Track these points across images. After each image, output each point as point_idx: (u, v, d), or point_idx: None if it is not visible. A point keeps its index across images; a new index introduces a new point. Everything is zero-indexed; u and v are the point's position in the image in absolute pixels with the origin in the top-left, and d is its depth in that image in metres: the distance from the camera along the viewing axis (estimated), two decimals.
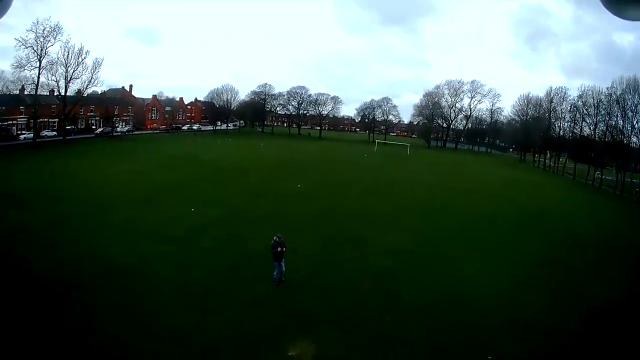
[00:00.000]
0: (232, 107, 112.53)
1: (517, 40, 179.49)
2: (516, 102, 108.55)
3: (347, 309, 14.28)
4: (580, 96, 71.48)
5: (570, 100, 77.65)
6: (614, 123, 62.43)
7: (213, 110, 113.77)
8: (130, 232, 21.25)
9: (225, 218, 25.29)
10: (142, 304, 13.84)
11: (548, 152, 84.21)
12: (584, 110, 70.07)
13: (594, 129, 67.93)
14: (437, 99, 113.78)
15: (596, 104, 66.96)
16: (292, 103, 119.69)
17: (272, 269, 15.76)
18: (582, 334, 13.76)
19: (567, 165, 74.36)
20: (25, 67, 60.77)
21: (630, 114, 59.07)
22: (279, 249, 15.61)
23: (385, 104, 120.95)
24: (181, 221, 23.86)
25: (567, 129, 78.46)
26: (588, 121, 69.90)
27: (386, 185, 42.44)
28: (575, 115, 73.93)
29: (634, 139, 59.89)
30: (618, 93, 60.93)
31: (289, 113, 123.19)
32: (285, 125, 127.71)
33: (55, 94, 68.91)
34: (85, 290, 14.45)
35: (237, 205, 28.45)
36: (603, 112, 65.38)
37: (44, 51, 61.08)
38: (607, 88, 64.31)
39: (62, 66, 64.07)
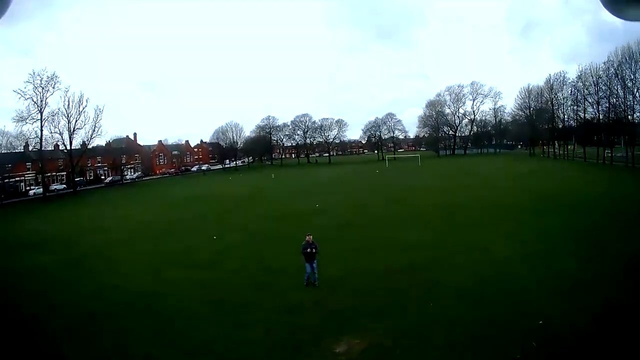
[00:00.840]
0: (238, 144, 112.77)
1: (511, 35, 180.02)
2: (518, 95, 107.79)
3: (387, 302, 13.60)
4: (579, 77, 71.07)
5: (570, 83, 76.83)
6: (615, 99, 61.85)
7: (220, 149, 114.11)
8: (151, 262, 20.53)
9: (248, 241, 24.33)
10: (173, 324, 12.95)
11: (556, 142, 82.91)
12: (585, 90, 69.48)
13: (597, 108, 67.23)
14: (439, 107, 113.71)
15: (595, 82, 66.37)
16: (298, 132, 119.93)
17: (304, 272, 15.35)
18: (625, 288, 13.17)
19: (577, 151, 73.48)
20: (27, 120, 61.07)
21: (629, 84, 58.26)
22: (308, 250, 15.18)
23: (390, 119, 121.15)
24: (203, 249, 22.95)
25: (571, 113, 77.42)
26: (590, 100, 69.17)
27: (403, 192, 42.30)
28: (577, 97, 73.03)
29: (638, 113, 58.85)
30: (615, 65, 60.39)
31: (295, 143, 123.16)
32: (293, 156, 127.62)
33: (60, 147, 69.16)
34: (111, 317, 13.65)
35: (258, 229, 27.44)
36: (604, 87, 64.69)
37: (44, 102, 61.61)
38: (604, 63, 63.85)
39: (63, 117, 64.77)
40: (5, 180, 65.32)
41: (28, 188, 68.61)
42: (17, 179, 68.70)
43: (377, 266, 17.45)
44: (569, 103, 77.12)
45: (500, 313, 11.99)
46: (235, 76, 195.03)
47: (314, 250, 15.19)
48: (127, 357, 10.52)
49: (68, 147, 66.56)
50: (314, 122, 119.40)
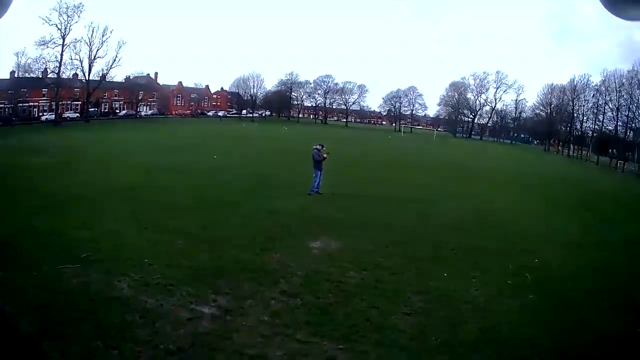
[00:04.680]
0: (258, 96, 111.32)
1: (544, 36, 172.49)
2: (540, 91, 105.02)
3: (375, 219, 13.43)
4: (603, 82, 68.74)
5: (593, 87, 74.32)
6: (635, 108, 60.81)
7: (239, 99, 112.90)
8: (146, 168, 20.43)
9: (250, 161, 24.95)
10: (150, 210, 12.82)
11: (571, 145, 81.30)
12: (607, 96, 67.71)
13: (617, 115, 65.41)
14: (462, 89, 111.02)
15: (618, 88, 64.50)
16: (319, 91, 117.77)
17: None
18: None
19: (590, 158, 71.59)
20: (49, 44, 60.26)
21: None
22: (316, 156, 16.38)
23: (412, 92, 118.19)
24: (203, 162, 23.36)
25: (591, 115, 75.17)
26: (610, 106, 67.21)
27: (408, 156, 41.72)
28: (598, 100, 71.10)
29: None
30: None
31: (315, 104, 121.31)
32: (311, 117, 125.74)
33: (78, 77, 68.41)
34: (90, 200, 13.61)
35: (260, 153, 28.19)
36: (625, 95, 63.13)
37: (67, 29, 60.63)
38: (629, 71, 61.76)
39: (86, 44, 63.71)
40: (19, 105, 65.27)
41: (41, 114, 68.35)
42: (31, 104, 68.43)
43: (378, 195, 17.42)
44: (590, 106, 75.09)
45: (495, 246, 11.49)
46: (264, 29, 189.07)
47: (322, 157, 16.25)
48: (92, 231, 10.11)
49: (86, 76, 65.94)
50: (336, 83, 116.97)
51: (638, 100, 60.24)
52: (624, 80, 63.08)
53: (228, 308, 6.78)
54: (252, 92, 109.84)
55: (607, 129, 69.89)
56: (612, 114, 67.22)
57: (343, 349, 5.85)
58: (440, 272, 9.03)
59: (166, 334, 5.90)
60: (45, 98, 69.34)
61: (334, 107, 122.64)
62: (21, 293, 6.66)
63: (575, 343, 6.49)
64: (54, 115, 63.60)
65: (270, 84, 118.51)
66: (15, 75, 64.08)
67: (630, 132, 63.02)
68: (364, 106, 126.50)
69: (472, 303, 7.68)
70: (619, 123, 65.61)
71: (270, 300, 7.17)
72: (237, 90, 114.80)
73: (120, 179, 17.07)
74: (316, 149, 16.65)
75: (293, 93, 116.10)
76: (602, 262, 10.79)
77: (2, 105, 63.42)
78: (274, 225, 11.90)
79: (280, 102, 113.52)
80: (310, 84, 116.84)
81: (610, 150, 68.42)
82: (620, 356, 6.26)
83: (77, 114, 71.66)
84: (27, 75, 64.14)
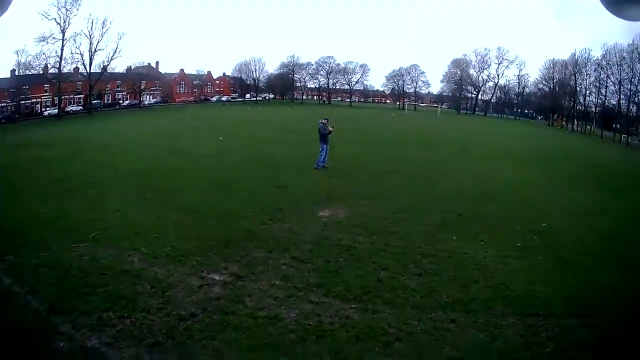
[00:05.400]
0: (260, 79, 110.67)
1: (545, 12, 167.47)
2: (542, 66, 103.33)
3: (381, 191, 13.34)
4: (603, 56, 67.18)
5: (594, 61, 72.47)
6: (637, 81, 59.40)
7: (241, 83, 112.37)
8: (153, 154, 20.11)
9: (255, 142, 24.86)
10: (158, 189, 12.75)
11: (575, 120, 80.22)
12: (608, 70, 66.18)
13: (619, 88, 64.06)
14: (464, 65, 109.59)
15: (619, 62, 63.20)
16: (321, 72, 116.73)
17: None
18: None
19: (595, 132, 70.58)
20: (48, 40, 60.11)
21: None
22: (322, 130, 16.37)
23: (414, 70, 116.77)
24: (209, 147, 22.77)
25: (593, 89, 73.52)
26: (612, 79, 65.76)
27: (412, 133, 42.21)
28: (600, 74, 69.33)
29: None
30: None
31: (318, 85, 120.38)
32: (315, 98, 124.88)
33: (79, 70, 68.07)
34: (97, 185, 13.56)
35: (265, 134, 28.80)
36: (626, 69, 61.79)
37: (66, 22, 60.32)
38: (629, 45, 60.29)
39: (86, 37, 63.42)
40: (21, 102, 65.22)
41: (44, 109, 68.24)
42: (33, 100, 68.28)
43: (381, 167, 17.51)
44: (592, 80, 73.46)
45: (502, 213, 11.34)
46: (263, 12, 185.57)
47: (327, 130, 16.26)
48: (100, 213, 10.07)
49: (88, 69, 65.70)
50: (338, 64, 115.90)
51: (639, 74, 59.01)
52: (624, 54, 61.91)
53: (239, 274, 6.77)
54: (254, 76, 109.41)
55: (611, 102, 68.94)
56: (615, 87, 65.99)
57: (356, 309, 5.83)
58: (448, 236, 8.96)
59: (178, 302, 5.90)
60: (47, 93, 69.17)
61: (337, 87, 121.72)
62: (31, 272, 6.69)
63: (584, 300, 6.41)
64: (57, 110, 63.49)
65: (272, 67, 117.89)
66: (16, 73, 63.90)
67: (633, 106, 62.18)
68: (367, 85, 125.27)
69: (481, 264, 7.61)
70: (622, 97, 64.52)
71: (281, 265, 7.15)
72: (239, 75, 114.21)
73: (125, 164, 17.03)
74: (322, 123, 16.56)
75: (295, 75, 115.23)
76: (608, 227, 10.62)
77: (5, 104, 63.48)
78: (282, 198, 11.84)
79: (283, 84, 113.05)
80: (312, 65, 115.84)
81: (614, 125, 67.63)
82: (627, 313, 6.16)
83: (80, 107, 71.52)
84: (27, 72, 63.99)
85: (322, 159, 16.29)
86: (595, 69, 71.64)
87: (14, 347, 4.86)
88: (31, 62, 62.91)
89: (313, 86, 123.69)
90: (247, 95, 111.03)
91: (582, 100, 77.83)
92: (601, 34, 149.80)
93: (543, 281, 6.95)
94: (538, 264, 7.78)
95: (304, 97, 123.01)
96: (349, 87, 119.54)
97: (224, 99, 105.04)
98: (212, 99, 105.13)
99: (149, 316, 5.51)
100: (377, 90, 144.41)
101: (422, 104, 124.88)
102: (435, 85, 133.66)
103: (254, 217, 9.88)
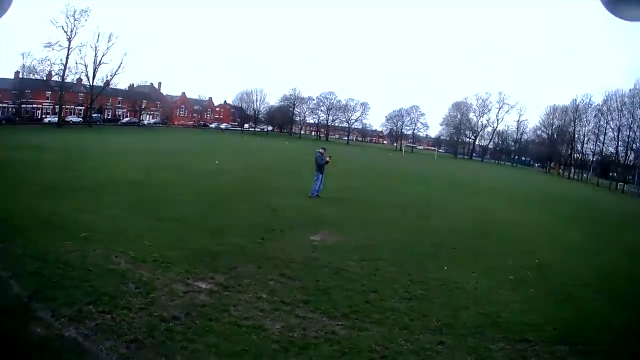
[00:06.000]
0: (260, 112, 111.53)
1: (549, 57, 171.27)
2: (542, 112, 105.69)
3: (380, 220, 13.44)
4: (605, 101, 69.19)
5: (595, 106, 74.56)
6: (636, 128, 60.97)
7: (241, 113, 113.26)
8: (149, 168, 20.16)
9: (251, 167, 24.97)
10: (157, 203, 12.78)
11: (572, 168, 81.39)
12: (608, 116, 68.02)
13: (617, 135, 65.67)
14: (465, 109, 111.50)
15: (619, 107, 64.93)
16: (322, 108, 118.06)
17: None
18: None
19: (591, 180, 71.71)
20: (54, 46, 60.68)
21: None
22: (319, 159, 16.56)
23: (414, 112, 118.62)
24: (203, 166, 22.94)
25: (592, 136, 75.17)
26: (612, 125, 67.38)
27: (408, 170, 41.63)
28: (600, 120, 71.18)
29: None
30: None
31: (317, 120, 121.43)
32: (313, 134, 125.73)
33: (82, 82, 68.75)
34: (93, 190, 13.56)
35: (262, 161, 28.55)
36: (627, 114, 63.40)
37: (73, 32, 61.34)
38: (630, 90, 61.82)
39: (91, 48, 64.64)
40: (22, 106, 65.49)
41: (44, 116, 68.40)
42: (34, 105, 68.56)
43: (375, 199, 17.70)
44: (591, 126, 75.21)
45: (495, 247, 11.42)
46: (268, 42, 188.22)
47: (324, 160, 16.50)
48: (92, 215, 10.07)
49: (90, 81, 66.40)
50: (339, 100, 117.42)
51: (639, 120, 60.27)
52: (625, 99, 63.43)
53: (226, 285, 6.67)
54: (255, 106, 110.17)
55: (609, 149, 70.15)
56: (613, 133, 67.35)
57: (343, 326, 5.73)
58: (440, 266, 8.92)
59: (161, 304, 5.79)
60: (49, 101, 69.50)
61: (336, 124, 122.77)
62: (17, 260, 6.59)
63: (575, 328, 6.38)
64: (57, 118, 63.65)
65: (273, 99, 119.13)
66: (20, 75, 64.39)
67: (630, 153, 63.25)
68: (366, 124, 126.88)
69: (472, 293, 7.57)
70: (620, 144, 65.78)
71: (269, 280, 7.06)
72: (240, 104, 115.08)
73: (120, 174, 17.04)
74: (319, 152, 16.79)
75: (296, 109, 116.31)
76: (601, 265, 10.74)
77: (6, 105, 63.68)
78: (274, 219, 11.82)
79: (283, 117, 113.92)
80: (313, 100, 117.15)
81: (610, 174, 68.55)
82: (621, 344, 6.13)
83: (80, 119, 71.74)
84: (31, 76, 64.44)
85: (317, 188, 16.34)
86: (595, 115, 73.17)
87: None
88: (35, 67, 63.25)
89: (312, 121, 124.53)
90: (246, 125, 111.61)
91: (579, 148, 78.91)
92: (603, 80, 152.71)
93: (535, 311, 6.90)
94: (530, 295, 7.75)
95: (302, 132, 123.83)
96: (347, 125, 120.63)
97: (222, 126, 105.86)
98: (210, 125, 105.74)
99: (130, 314, 5.38)
100: (375, 130, 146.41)
101: (420, 147, 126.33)
102: (433, 128, 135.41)
103: (246, 234, 9.81)
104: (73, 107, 72.96)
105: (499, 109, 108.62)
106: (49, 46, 60.34)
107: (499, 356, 5.36)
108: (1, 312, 5.01)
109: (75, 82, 68.65)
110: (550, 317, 6.65)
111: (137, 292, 6.05)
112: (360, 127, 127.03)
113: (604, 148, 70.97)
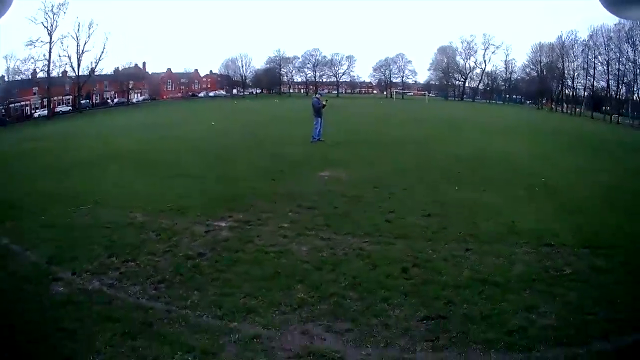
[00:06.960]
0: (247, 77, 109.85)
1: None
2: (529, 50, 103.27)
3: (384, 156, 13.36)
4: (590, 36, 67.07)
5: (581, 42, 72.23)
6: (625, 61, 59.50)
7: (228, 80, 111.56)
8: (147, 139, 19.74)
9: (247, 126, 24.69)
10: (156, 166, 12.38)
11: (564, 103, 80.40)
12: (596, 50, 66.26)
13: (607, 69, 64.07)
14: (451, 53, 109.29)
15: (606, 42, 63.30)
16: (308, 66, 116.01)
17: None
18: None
19: (584, 113, 70.82)
20: (36, 44, 59.66)
21: None
22: (316, 103, 16.45)
23: (400, 59, 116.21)
24: (201, 131, 22.65)
25: (581, 72, 73.19)
26: (600, 59, 65.76)
27: (401, 114, 42.40)
28: (587, 55, 69.41)
29: None
30: (627, 28, 56.85)
31: (305, 78, 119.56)
32: (302, 91, 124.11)
33: (67, 74, 67.49)
34: (91, 164, 13.33)
35: (256, 119, 28.74)
36: (614, 48, 61.81)
37: (53, 25, 59.79)
38: (615, 25, 60.11)
39: (73, 39, 63.60)
40: (11, 105, 64.61)
41: (33, 111, 67.52)
42: (23, 103, 67.58)
43: (376, 139, 17.56)
44: (580, 62, 73.08)
45: (500, 172, 11.20)
46: (248, 6, 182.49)
47: (321, 105, 16.36)
48: (100, 185, 9.81)
49: (76, 70, 65.31)
50: (324, 56, 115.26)
51: (627, 54, 58.90)
52: (611, 34, 61.60)
53: (246, 220, 6.63)
54: (241, 72, 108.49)
55: (600, 84, 68.62)
56: (603, 68, 65.80)
57: (369, 242, 5.72)
58: (450, 187, 8.96)
59: (184, 245, 5.77)
60: (36, 95, 68.33)
61: (324, 80, 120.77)
62: (29, 233, 6.44)
63: (593, 235, 6.25)
64: (46, 111, 62.88)
65: (258, 62, 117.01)
66: (5, 79, 63.43)
67: (622, 87, 61.84)
68: (353, 77, 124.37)
69: (487, 207, 7.55)
70: (610, 77, 64.41)
71: (288, 212, 7.04)
72: (226, 72, 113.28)
73: (119, 148, 16.66)
74: (316, 97, 16.72)
75: (282, 69, 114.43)
76: (607, 182, 10.49)
77: None
78: (282, 163, 11.74)
79: (270, 79, 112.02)
80: (299, 58, 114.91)
81: (603, 107, 67.87)
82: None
83: (70, 107, 70.80)
84: (17, 77, 63.44)
85: (317, 132, 16.18)
86: (582, 50, 71.40)
87: (12, 293, 4.68)
88: (19, 67, 62.18)
89: (300, 80, 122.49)
90: (234, 91, 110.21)
91: (570, 83, 77.61)
92: (587, 14, 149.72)
93: (550, 221, 6.86)
94: (544, 207, 7.72)
95: (291, 91, 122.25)
96: (335, 80, 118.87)
97: (211, 94, 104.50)
98: (199, 95, 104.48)
99: (155, 258, 5.37)
100: (364, 81, 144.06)
101: (410, 93, 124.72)
102: (422, 74, 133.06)
103: (257, 179, 9.78)
104: (61, 97, 71.93)
105: (485, 50, 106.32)
106: (30, 44, 59.31)
107: (526, 258, 5.38)
108: (21, 281, 4.90)
109: (60, 75, 67.51)
110: (566, 226, 6.59)
111: (158, 238, 6.02)
112: (348, 80, 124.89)
113: (595, 82, 69.50)
